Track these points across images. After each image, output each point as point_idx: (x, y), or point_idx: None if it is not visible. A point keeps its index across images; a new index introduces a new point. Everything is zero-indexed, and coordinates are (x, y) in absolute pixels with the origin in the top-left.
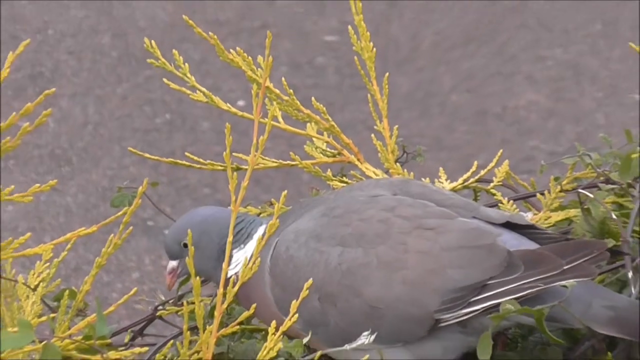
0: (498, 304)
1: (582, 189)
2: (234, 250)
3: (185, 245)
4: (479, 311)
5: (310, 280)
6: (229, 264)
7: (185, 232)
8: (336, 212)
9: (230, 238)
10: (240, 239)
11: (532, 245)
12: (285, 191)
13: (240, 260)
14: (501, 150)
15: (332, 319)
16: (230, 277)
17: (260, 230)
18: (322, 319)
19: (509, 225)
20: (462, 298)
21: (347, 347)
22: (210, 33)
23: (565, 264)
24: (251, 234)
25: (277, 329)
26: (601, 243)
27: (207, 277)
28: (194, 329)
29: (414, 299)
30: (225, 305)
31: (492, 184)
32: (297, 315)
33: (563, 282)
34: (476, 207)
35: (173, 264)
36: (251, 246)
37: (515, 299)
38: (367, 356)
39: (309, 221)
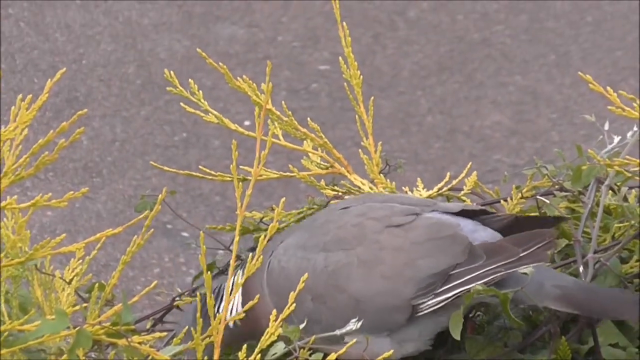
0: (468, 290)
1: (540, 195)
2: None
3: None
4: (451, 298)
5: (300, 285)
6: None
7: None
8: (316, 224)
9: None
10: (221, 291)
11: (487, 231)
12: (284, 198)
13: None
14: (470, 163)
15: (323, 316)
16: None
17: (239, 273)
18: (315, 317)
19: (464, 213)
20: (434, 284)
21: (337, 332)
22: (220, 63)
23: (522, 251)
24: (221, 289)
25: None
26: (551, 232)
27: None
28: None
29: (393, 289)
30: (232, 296)
31: (462, 192)
32: (294, 306)
33: (523, 269)
34: (435, 202)
35: None
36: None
37: (482, 284)
38: (354, 340)
39: (294, 237)
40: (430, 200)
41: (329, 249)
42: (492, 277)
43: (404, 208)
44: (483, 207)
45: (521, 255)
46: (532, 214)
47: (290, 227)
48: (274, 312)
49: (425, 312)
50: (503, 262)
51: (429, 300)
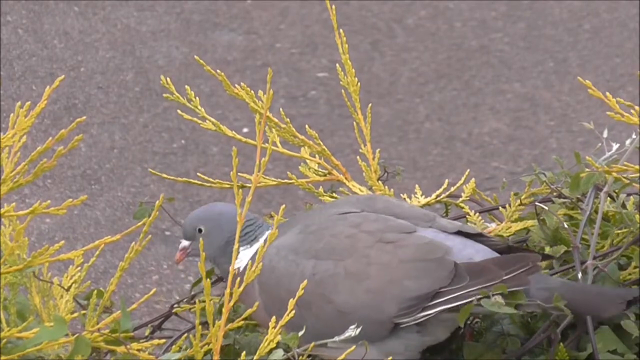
0: (449, 308)
1: (538, 202)
2: (241, 248)
3: (200, 231)
4: (432, 315)
5: (298, 293)
6: (236, 257)
7: (202, 219)
8: (311, 228)
9: (238, 235)
10: (248, 238)
11: (475, 247)
12: (284, 205)
13: (243, 258)
14: (468, 171)
15: (308, 322)
16: (235, 270)
17: (266, 234)
18: (299, 322)
19: (461, 234)
20: (417, 305)
21: (336, 339)
22: (218, 70)
23: (505, 274)
24: (258, 237)
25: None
26: (535, 256)
27: (212, 262)
28: (204, 324)
29: (376, 305)
30: (231, 304)
31: (460, 199)
32: (291, 314)
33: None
34: (432, 218)
35: (185, 243)
36: (256, 247)
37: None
38: (353, 347)
39: (289, 237)
40: (430, 214)
41: (319, 257)
42: (473, 298)
43: (400, 224)
44: (480, 232)
45: (504, 278)
46: (523, 246)
47: (289, 221)
48: (273, 319)
49: (408, 325)
50: (486, 285)
51: (410, 318)
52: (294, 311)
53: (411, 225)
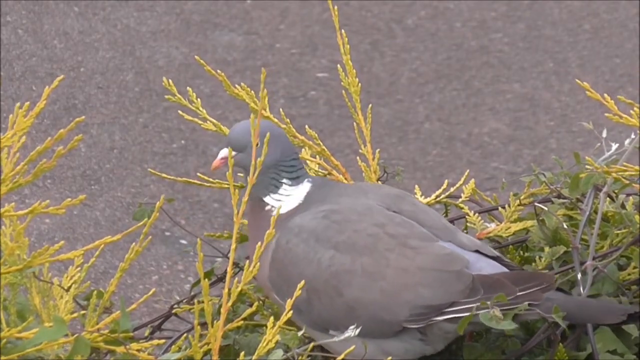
0: (457, 318)
1: (538, 203)
2: (285, 180)
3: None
4: (439, 321)
5: (303, 281)
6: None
7: (259, 135)
8: (336, 217)
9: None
10: (290, 172)
11: (487, 261)
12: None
13: (283, 198)
14: (468, 171)
15: (315, 309)
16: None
17: (305, 185)
18: (306, 307)
19: (478, 253)
20: (428, 315)
21: (335, 339)
22: (218, 71)
23: (519, 291)
24: (299, 180)
25: (274, 324)
26: (550, 275)
27: (246, 182)
28: (204, 325)
29: (388, 306)
30: (230, 304)
31: (460, 199)
32: (291, 310)
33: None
34: (453, 232)
35: (227, 153)
36: (295, 197)
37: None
38: (353, 346)
39: (312, 220)
40: (452, 227)
41: (339, 249)
42: (485, 311)
43: (423, 232)
44: (499, 255)
45: (518, 294)
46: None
47: (320, 188)
48: (271, 319)
49: (413, 330)
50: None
51: (420, 325)
52: (301, 294)
53: (433, 236)
